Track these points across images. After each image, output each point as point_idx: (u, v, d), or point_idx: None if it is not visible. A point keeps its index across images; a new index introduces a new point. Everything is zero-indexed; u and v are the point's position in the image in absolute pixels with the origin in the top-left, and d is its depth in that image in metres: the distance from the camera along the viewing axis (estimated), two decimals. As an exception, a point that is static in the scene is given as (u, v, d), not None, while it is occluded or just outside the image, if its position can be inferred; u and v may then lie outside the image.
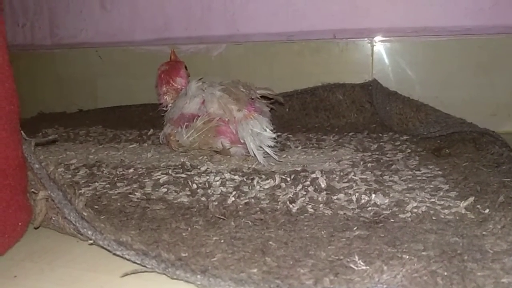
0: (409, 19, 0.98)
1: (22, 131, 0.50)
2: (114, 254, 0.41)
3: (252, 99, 0.76)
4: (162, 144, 0.85)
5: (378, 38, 1.00)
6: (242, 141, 0.72)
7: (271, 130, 0.71)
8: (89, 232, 0.42)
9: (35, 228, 0.49)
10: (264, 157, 0.70)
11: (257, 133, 0.70)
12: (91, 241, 0.43)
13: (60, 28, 1.29)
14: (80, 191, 0.58)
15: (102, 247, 0.42)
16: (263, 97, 0.79)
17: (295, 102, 1.01)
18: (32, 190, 0.47)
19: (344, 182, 0.59)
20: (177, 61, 0.90)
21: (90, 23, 1.25)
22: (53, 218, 0.49)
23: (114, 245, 0.40)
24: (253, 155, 0.71)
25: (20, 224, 0.47)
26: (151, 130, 0.97)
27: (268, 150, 0.69)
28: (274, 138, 0.70)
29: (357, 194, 0.55)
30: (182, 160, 0.74)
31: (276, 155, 0.70)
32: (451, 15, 0.96)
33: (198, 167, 0.70)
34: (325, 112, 0.97)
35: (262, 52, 1.08)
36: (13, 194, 0.47)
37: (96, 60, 1.23)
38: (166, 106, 0.86)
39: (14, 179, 0.47)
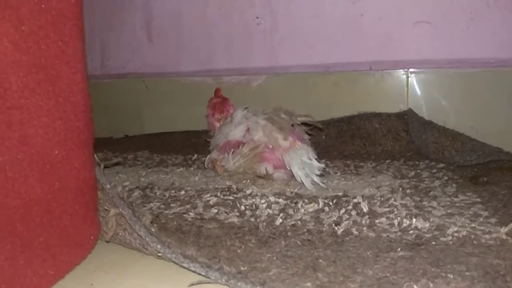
0: (444, 51, 1.02)
1: (95, 155, 0.56)
2: (181, 266, 0.45)
3: (292, 125, 0.81)
4: (207, 168, 0.91)
5: (413, 69, 1.04)
6: (288, 168, 0.77)
7: (316, 160, 0.75)
8: (158, 246, 0.47)
9: (107, 242, 0.54)
10: (312, 184, 0.74)
11: (306, 163, 0.75)
12: (160, 254, 0.47)
13: (110, 59, 1.39)
14: (145, 209, 0.64)
15: (166, 261, 0.47)
16: (303, 123, 0.83)
17: (331, 130, 1.05)
18: (105, 207, 0.53)
19: (385, 207, 0.63)
20: (225, 97, 0.98)
21: (138, 54, 1.34)
22: (120, 234, 0.54)
23: (180, 258, 0.45)
24: (300, 182, 0.75)
25: (92, 238, 0.53)
26: (195, 155, 1.03)
27: (316, 179, 0.74)
28: (324, 169, 0.75)
29: (398, 218, 0.58)
30: (228, 183, 0.79)
31: (323, 183, 0.75)
32: (486, 48, 0.99)
33: (244, 190, 0.75)
34: (361, 140, 1.01)
35: (300, 83, 1.13)
36: (88, 211, 0.52)
37: (142, 89, 1.32)
38: (215, 133, 0.92)
39: (89, 198, 0.53)
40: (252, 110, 0.86)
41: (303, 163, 0.75)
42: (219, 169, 0.84)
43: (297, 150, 0.76)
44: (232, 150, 0.82)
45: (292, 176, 0.78)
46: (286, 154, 0.77)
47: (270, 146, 0.78)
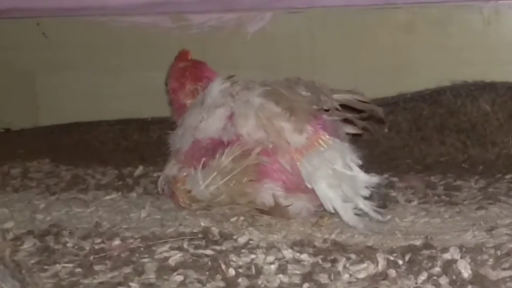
0: None
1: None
2: None
3: (326, 110, 0.81)
4: (162, 194, 0.91)
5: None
6: (309, 185, 0.77)
7: (360, 167, 0.76)
8: None
9: None
10: (356, 214, 0.74)
11: (342, 175, 0.75)
12: None
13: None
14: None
15: None
16: (344, 106, 0.83)
17: (400, 117, 1.06)
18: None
19: (504, 269, 0.63)
20: (198, 61, 0.98)
21: (26, -26, 1.34)
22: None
23: None
24: (332, 211, 0.76)
25: None
26: (140, 167, 1.04)
27: (365, 205, 0.74)
28: (377, 184, 0.75)
29: (529, 290, 0.58)
30: (203, 223, 0.79)
31: (378, 213, 0.75)
32: None
33: (234, 237, 0.75)
34: (458, 135, 1.01)
35: (337, 27, 1.13)
36: None
37: (37, 40, 1.31)
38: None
39: None
40: (243, 82, 0.86)
41: (337, 176, 0.75)
42: (182, 197, 0.85)
43: (323, 152, 0.76)
44: (202, 160, 0.82)
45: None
46: (303, 160, 0.77)
47: (270, 147, 0.79)
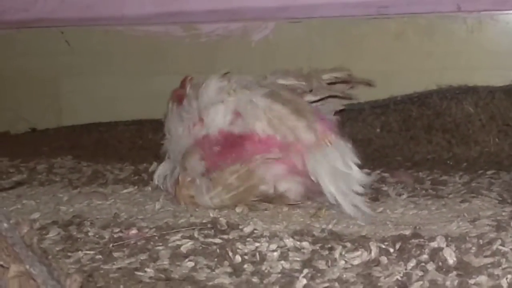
0: None
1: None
2: None
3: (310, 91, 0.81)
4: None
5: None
6: (314, 178, 0.78)
7: (359, 166, 0.76)
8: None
9: (4, 323, 0.54)
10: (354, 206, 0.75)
11: (340, 173, 0.75)
12: None
13: (3, -4, 1.38)
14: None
15: None
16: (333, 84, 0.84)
17: (392, 118, 1.06)
18: (0, 263, 0.53)
19: (485, 257, 0.63)
20: None
21: (51, -13, 1.34)
22: (28, 308, 0.54)
23: None
24: (334, 203, 0.76)
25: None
26: (154, 164, 1.03)
27: (357, 200, 0.75)
28: (370, 182, 0.76)
29: (509, 276, 0.58)
30: (212, 215, 0.80)
31: (369, 207, 0.76)
32: None
33: (240, 226, 0.75)
34: (444, 134, 1.01)
35: (334, 35, 1.13)
36: (-29, 270, 0.53)
37: (60, 47, 1.31)
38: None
39: (-27, 246, 0.53)
40: (237, 80, 0.85)
41: (336, 173, 0.76)
42: (184, 201, 0.85)
43: (327, 151, 0.77)
44: (204, 169, 0.82)
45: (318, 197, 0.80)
46: (310, 157, 0.78)
47: (278, 157, 0.79)
